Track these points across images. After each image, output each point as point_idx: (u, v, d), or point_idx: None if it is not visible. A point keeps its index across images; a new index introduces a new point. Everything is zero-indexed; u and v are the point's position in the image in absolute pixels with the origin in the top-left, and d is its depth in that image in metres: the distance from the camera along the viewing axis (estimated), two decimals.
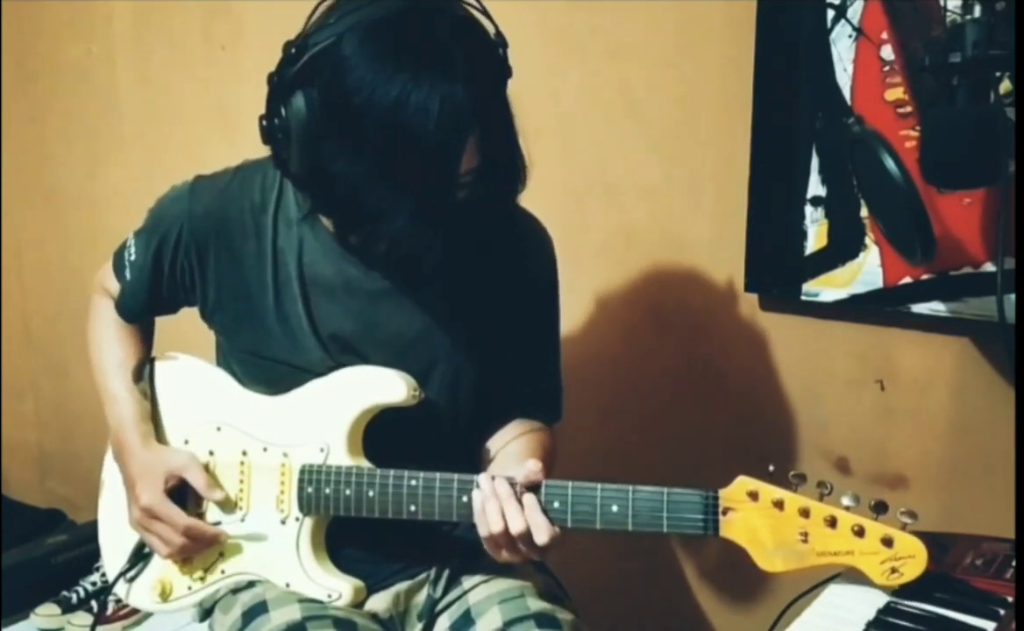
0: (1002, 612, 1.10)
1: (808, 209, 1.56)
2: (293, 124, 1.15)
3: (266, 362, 1.35)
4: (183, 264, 1.36)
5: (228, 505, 1.37)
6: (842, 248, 1.55)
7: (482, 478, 1.22)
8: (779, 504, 1.12)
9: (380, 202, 1.13)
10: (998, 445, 1.47)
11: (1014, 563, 1.19)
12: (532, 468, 1.20)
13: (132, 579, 1.45)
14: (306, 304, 1.32)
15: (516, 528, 1.18)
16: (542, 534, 1.18)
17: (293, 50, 1.15)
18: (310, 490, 1.31)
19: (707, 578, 1.83)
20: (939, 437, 1.54)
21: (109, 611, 2.12)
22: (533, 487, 1.20)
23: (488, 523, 1.20)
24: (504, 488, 1.20)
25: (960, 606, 1.11)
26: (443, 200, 1.14)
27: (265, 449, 1.35)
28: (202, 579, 1.39)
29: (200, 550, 1.36)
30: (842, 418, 1.63)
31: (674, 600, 1.86)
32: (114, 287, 1.47)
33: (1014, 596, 1.12)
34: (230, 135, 2.19)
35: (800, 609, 1.16)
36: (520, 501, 1.19)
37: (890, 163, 1.46)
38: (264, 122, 1.19)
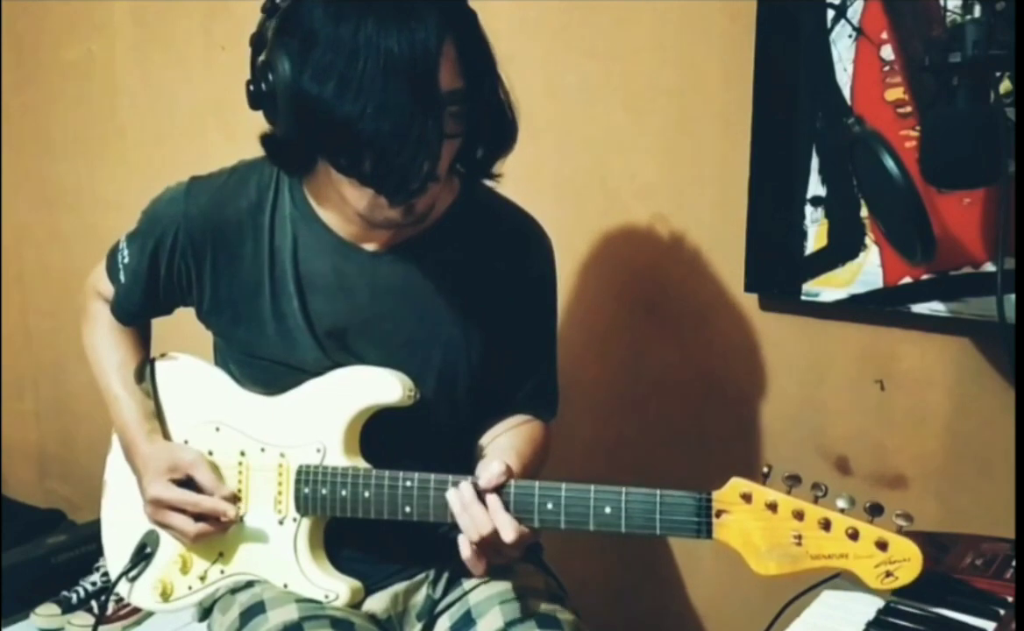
0: (1002, 612, 1.10)
1: (808, 209, 1.56)
2: (275, 74, 1.15)
3: (263, 362, 1.35)
4: (180, 266, 1.36)
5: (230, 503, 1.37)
6: (842, 248, 1.55)
7: (450, 494, 1.22)
8: (772, 506, 1.11)
9: (363, 110, 1.10)
10: (998, 445, 1.47)
11: (1014, 563, 1.19)
12: (494, 472, 1.20)
13: (134, 578, 1.45)
14: (301, 301, 1.32)
15: (484, 530, 1.19)
16: (508, 533, 1.18)
17: (269, 4, 1.19)
18: (307, 491, 1.31)
19: (706, 577, 1.83)
20: (939, 437, 1.54)
21: (109, 611, 2.12)
22: (497, 491, 1.20)
23: (466, 534, 1.20)
24: (468, 493, 1.20)
25: (960, 606, 1.11)
26: (427, 108, 1.12)
27: (263, 449, 1.35)
28: (202, 579, 1.40)
29: (218, 531, 1.35)
30: (842, 418, 1.63)
31: (674, 599, 1.86)
32: (108, 290, 1.47)
33: (1014, 596, 1.12)
34: (230, 135, 2.18)
35: (799, 608, 1.15)
36: (484, 503, 1.20)
37: (890, 163, 1.46)
38: (251, 87, 1.20)
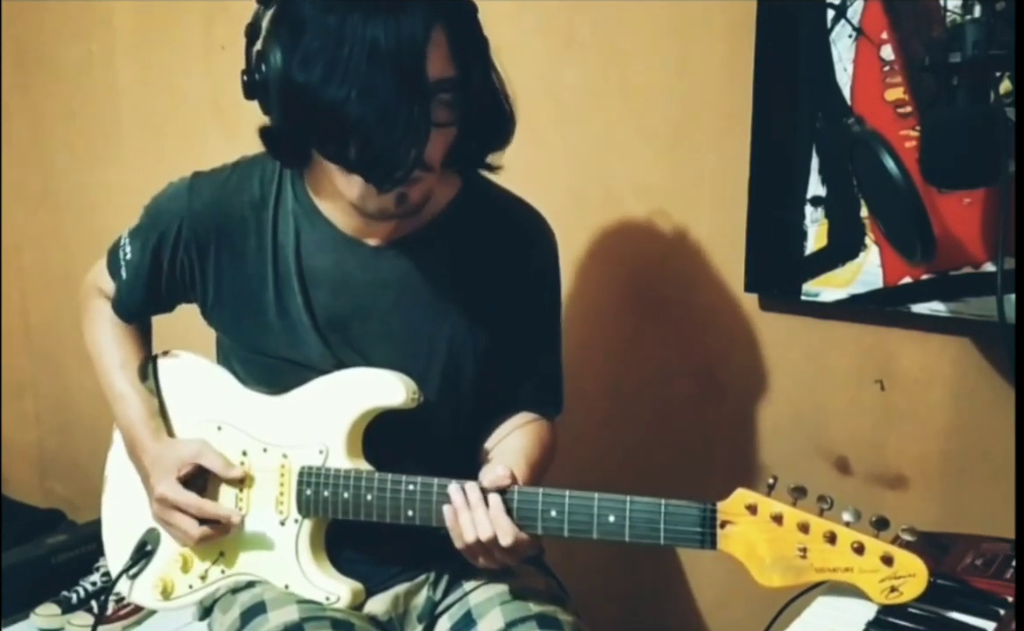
0: (1002, 612, 1.10)
1: (808, 209, 1.56)
2: (267, 64, 1.16)
3: (267, 359, 1.35)
4: (183, 261, 1.36)
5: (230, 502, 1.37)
6: (842, 248, 1.55)
7: (452, 489, 1.22)
8: (778, 518, 1.11)
9: (348, 95, 1.11)
10: (998, 445, 1.47)
11: (1014, 563, 1.19)
12: (500, 474, 1.21)
13: (135, 577, 1.45)
14: (305, 297, 1.32)
15: (484, 534, 1.19)
16: (506, 536, 1.19)
17: None
18: (309, 492, 1.31)
19: (707, 577, 1.83)
20: (939, 437, 1.54)
21: (109, 611, 2.12)
22: (500, 491, 1.21)
23: (462, 534, 1.21)
24: (474, 495, 1.21)
25: (960, 606, 1.11)
26: (413, 94, 1.11)
27: (265, 450, 1.35)
28: (203, 578, 1.40)
29: (219, 535, 1.35)
30: (842, 418, 1.63)
31: (674, 600, 1.86)
32: (109, 286, 1.47)
33: (1014, 596, 1.12)
34: (230, 134, 2.18)
35: (799, 608, 1.16)
36: (488, 505, 1.20)
37: (890, 163, 1.46)
38: (245, 77, 1.21)
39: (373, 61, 1.10)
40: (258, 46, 1.19)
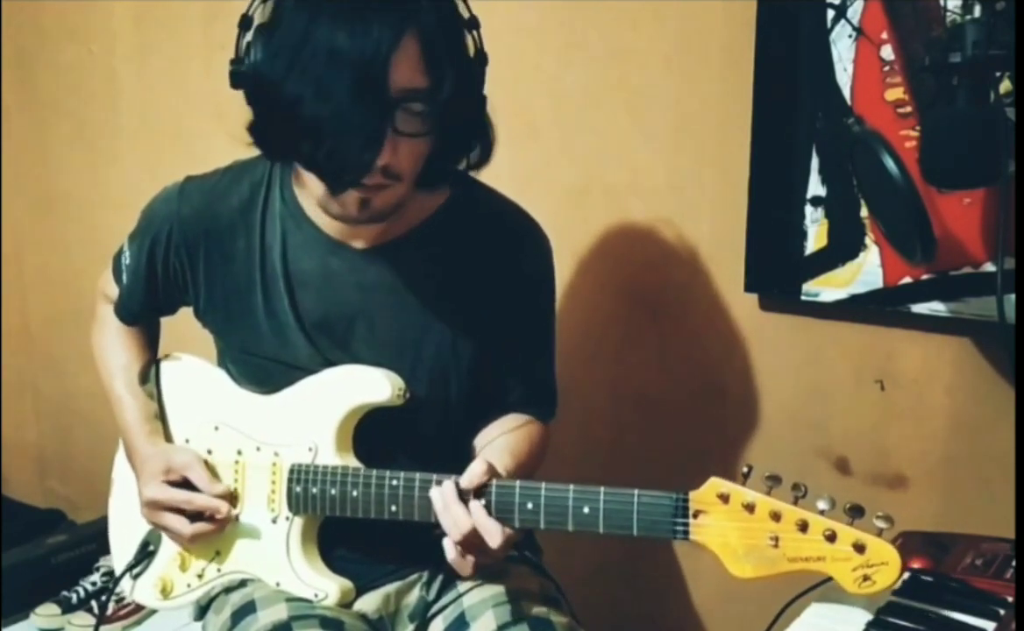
0: (1002, 612, 1.10)
1: (808, 209, 1.56)
2: (248, 57, 1.19)
3: (258, 360, 1.35)
4: (175, 264, 1.37)
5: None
6: (842, 248, 1.55)
7: (432, 493, 1.21)
8: (750, 507, 1.08)
9: (305, 94, 1.11)
10: (998, 445, 1.47)
11: (1014, 563, 1.19)
12: (476, 471, 1.20)
13: (137, 576, 1.45)
14: (291, 298, 1.32)
15: (465, 527, 1.18)
16: (494, 538, 1.18)
17: None
18: (298, 489, 1.32)
19: (707, 578, 1.83)
20: (938, 437, 1.54)
21: (110, 611, 2.13)
22: (479, 491, 1.20)
23: (448, 535, 1.20)
24: (450, 492, 1.19)
25: (960, 606, 1.11)
26: (370, 101, 1.11)
27: (258, 448, 1.36)
28: (200, 577, 1.40)
29: (213, 532, 1.35)
30: (842, 418, 1.63)
31: (673, 602, 1.86)
32: (113, 292, 1.49)
33: (1014, 596, 1.12)
34: (230, 135, 2.18)
35: (799, 609, 1.15)
36: (466, 504, 1.19)
37: (890, 163, 1.46)
38: (231, 66, 1.22)
39: (332, 64, 1.10)
40: (248, 37, 1.20)
